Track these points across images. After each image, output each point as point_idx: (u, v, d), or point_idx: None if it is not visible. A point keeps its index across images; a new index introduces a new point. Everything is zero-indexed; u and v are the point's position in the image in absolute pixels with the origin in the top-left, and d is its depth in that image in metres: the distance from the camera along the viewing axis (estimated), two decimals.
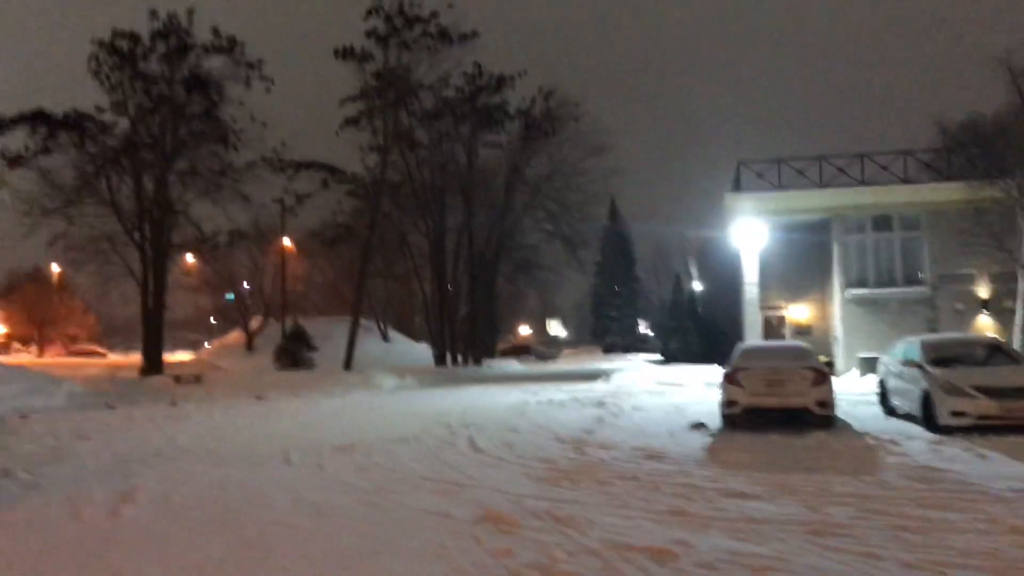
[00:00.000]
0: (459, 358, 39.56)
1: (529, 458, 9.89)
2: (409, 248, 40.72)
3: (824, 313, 25.84)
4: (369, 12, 30.67)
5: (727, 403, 12.65)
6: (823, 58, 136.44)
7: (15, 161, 29.02)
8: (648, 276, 74.43)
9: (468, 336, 41.36)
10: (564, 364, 49.17)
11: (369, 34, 31.11)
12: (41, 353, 59.60)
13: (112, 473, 9.07)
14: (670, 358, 29.00)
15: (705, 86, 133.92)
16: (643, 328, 72.00)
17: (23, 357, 54.85)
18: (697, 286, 39.72)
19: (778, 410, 12.32)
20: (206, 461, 10.03)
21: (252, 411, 17.40)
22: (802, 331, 24.49)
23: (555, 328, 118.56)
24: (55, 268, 57.85)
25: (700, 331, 29.52)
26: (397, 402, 19.76)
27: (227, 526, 6.38)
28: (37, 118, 28.99)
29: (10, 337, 63.48)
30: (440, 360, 38.52)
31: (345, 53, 31.46)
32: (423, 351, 53.50)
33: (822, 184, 24.99)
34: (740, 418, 12.51)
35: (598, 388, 22.52)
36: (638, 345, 64.54)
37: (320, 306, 57.67)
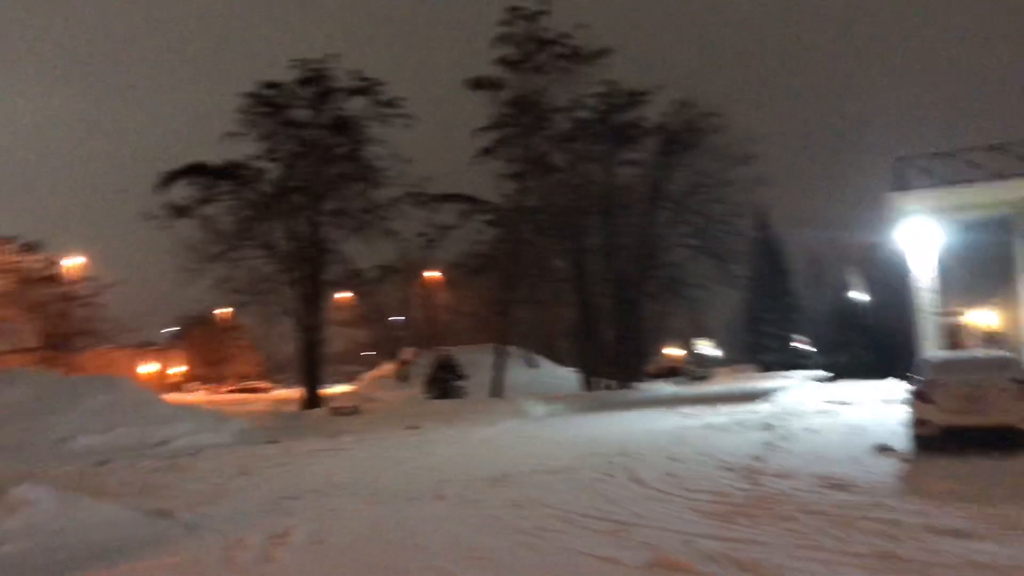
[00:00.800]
0: (607, 382, 38.70)
1: (696, 490, 9.08)
2: (551, 273, 40.37)
3: (1010, 318, 23.24)
4: (499, 39, 30.84)
5: (918, 423, 11.26)
6: (983, 38, 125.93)
7: (181, 212, 30.97)
8: (804, 288, 70.82)
9: (615, 359, 40.41)
10: (719, 384, 47.19)
11: (500, 61, 31.24)
12: (213, 390, 63.38)
13: (269, 512, 8.99)
14: (837, 374, 27.03)
15: (856, 80, 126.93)
16: (802, 343, 68.41)
17: (198, 394, 58.47)
18: (861, 296, 37.15)
19: (979, 430, 10.83)
20: (361, 498, 9.84)
21: (406, 442, 17.36)
22: (992, 339, 22.11)
23: (705, 347, 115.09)
24: (224, 310, 61.57)
25: (869, 344, 27.42)
26: (548, 429, 19.26)
27: (379, 572, 6.01)
28: (198, 170, 30.87)
29: (186, 376, 68.03)
30: (588, 384, 37.81)
31: (478, 83, 31.72)
32: (570, 376, 52.90)
33: (999, 176, 22.57)
34: (934, 440, 11.09)
35: (761, 409, 21.14)
36: (798, 362, 61.21)
37: (467, 335, 58.30)
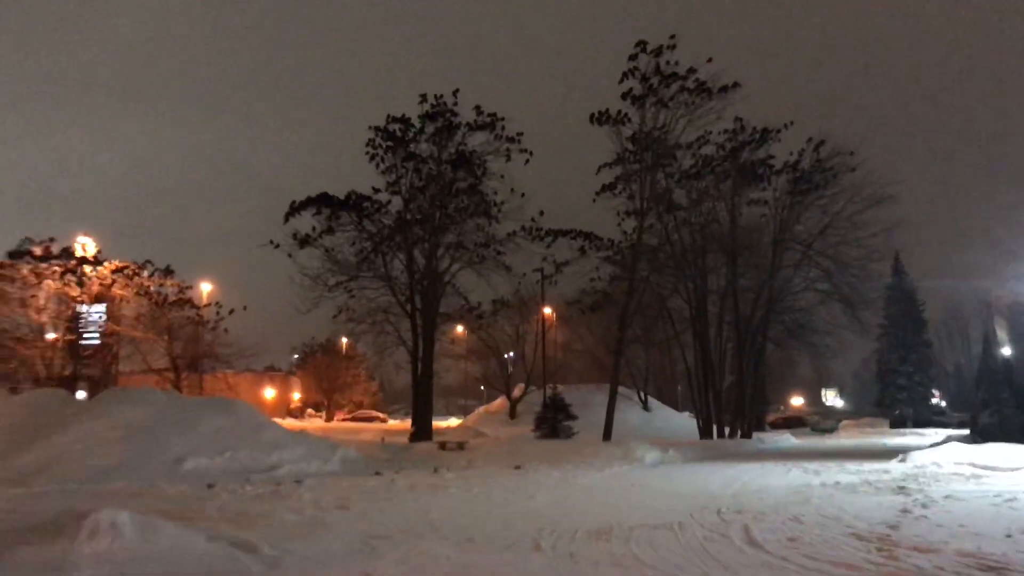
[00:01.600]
0: (726, 430, 36.96)
1: (822, 560, 8.06)
2: (669, 313, 39.20)
3: None
4: (625, 75, 30.32)
5: None
6: None
7: (304, 241, 31.84)
8: (942, 341, 66.39)
9: (735, 406, 38.67)
10: (844, 438, 44.44)
11: (625, 96, 30.70)
12: (329, 418, 64.92)
13: (355, 553, 8.57)
14: (981, 435, 24.66)
15: (1004, 119, 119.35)
16: (936, 399, 63.81)
17: (314, 422, 60.01)
18: (1007, 351, 34.13)
19: None
20: (453, 542, 9.31)
21: (509, 483, 16.78)
22: None
23: (831, 398, 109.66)
24: (343, 340, 63.24)
25: (1019, 404, 24.92)
26: (659, 478, 18.24)
27: None
28: (322, 201, 31.72)
29: (304, 403, 70.09)
30: (705, 432, 36.20)
31: (600, 118, 31.26)
32: (685, 421, 51.20)
33: None
34: None
35: (894, 469, 19.40)
36: (932, 419, 57.03)
37: (579, 373, 57.57)
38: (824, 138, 34.83)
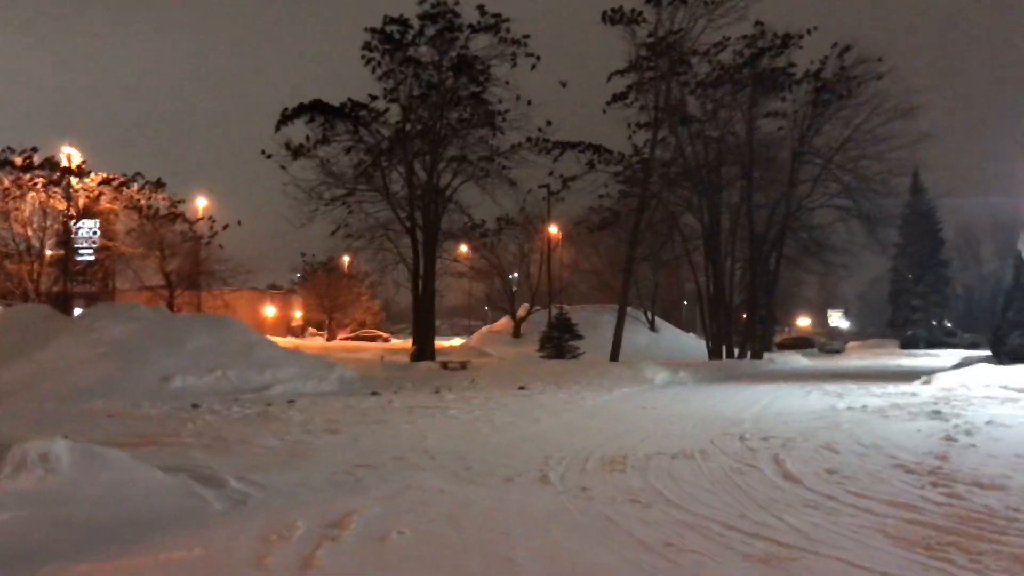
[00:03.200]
0: (735, 351, 36.02)
1: (871, 498, 6.96)
2: (680, 231, 37.79)
3: None
4: None
5: None
6: None
7: (298, 152, 30.26)
8: (951, 261, 64.74)
9: (746, 326, 37.71)
10: (856, 359, 43.56)
11: None
12: (331, 337, 64.28)
13: (338, 487, 7.53)
14: (1011, 356, 23.58)
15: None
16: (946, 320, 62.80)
17: (316, 340, 59.39)
18: None
19: None
20: (449, 472, 8.26)
21: (513, 404, 15.79)
22: None
23: (836, 319, 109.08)
24: (345, 258, 62.03)
25: None
26: (672, 400, 17.24)
27: None
28: (316, 108, 30.00)
29: (306, 321, 69.35)
30: (715, 352, 35.25)
31: (613, 17, 29.16)
32: (693, 342, 50.39)
33: None
34: None
35: (921, 392, 18.36)
36: (944, 339, 56.11)
37: (586, 294, 56.57)
38: (851, 43, 32.65)
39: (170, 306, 35.91)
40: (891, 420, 12.98)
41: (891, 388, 19.70)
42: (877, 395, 17.78)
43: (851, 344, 66.96)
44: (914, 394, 17.75)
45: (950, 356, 42.02)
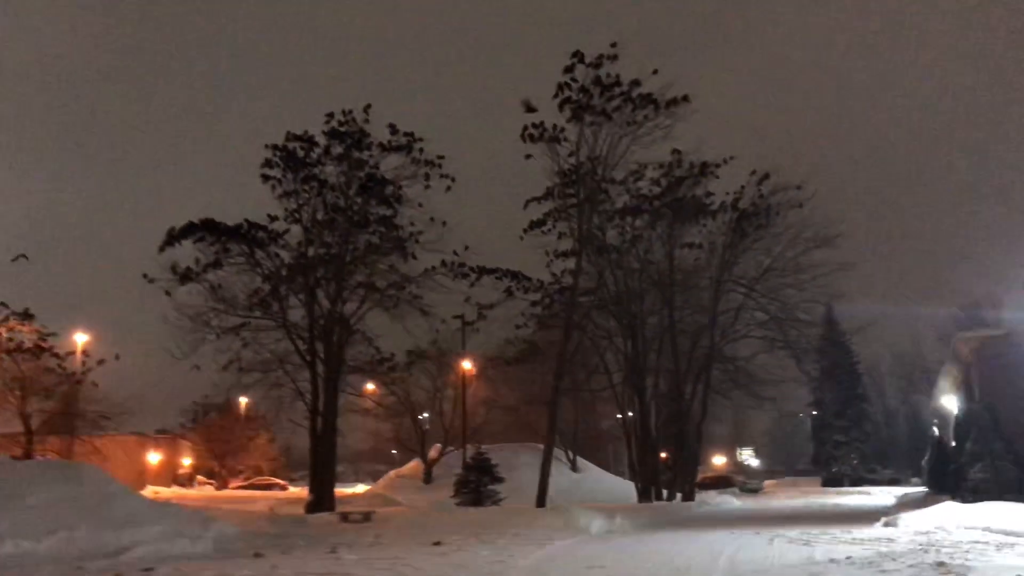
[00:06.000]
0: (663, 492, 33.41)
1: None
2: (605, 363, 35.84)
3: None
4: (560, 87, 27.08)
5: None
6: None
7: (185, 275, 27.19)
8: (884, 393, 64.94)
9: (673, 465, 35.44)
10: (784, 499, 41.53)
11: (562, 105, 27.33)
12: (222, 486, 58.62)
13: None
14: (974, 492, 21.83)
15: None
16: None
17: (205, 490, 53.82)
18: (955, 401, 32.02)
19: None
20: None
21: (428, 567, 12.66)
22: None
23: (747, 457, 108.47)
24: (242, 399, 57.44)
25: (1015, 456, 22.26)
26: (620, 555, 14.42)
27: None
28: (207, 228, 27.22)
29: (195, 469, 63.32)
30: (644, 494, 32.55)
31: (534, 135, 27.82)
32: (616, 483, 47.68)
33: None
34: None
35: (896, 536, 16.09)
36: (865, 476, 54.98)
37: (501, 432, 53.63)
38: (769, 171, 32.35)
39: (27, 455, 31.16)
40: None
41: (856, 532, 17.41)
42: (848, 541, 15.42)
43: (767, 483, 65.48)
44: (890, 539, 15.45)
45: (882, 493, 40.59)
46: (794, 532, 17.76)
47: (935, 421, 40.30)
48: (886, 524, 18.73)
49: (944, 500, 22.77)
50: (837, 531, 17.90)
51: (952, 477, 26.81)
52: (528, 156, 28.53)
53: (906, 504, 27.74)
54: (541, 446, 30.04)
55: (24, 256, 29.37)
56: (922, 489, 38.36)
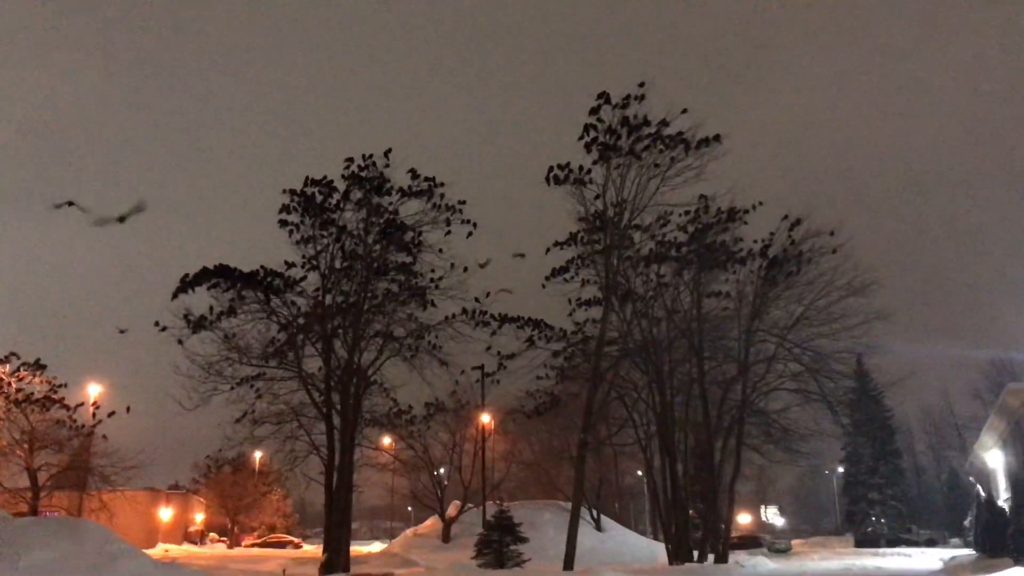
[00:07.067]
0: (694, 553, 31.68)
1: None
2: (632, 417, 34.45)
3: None
4: (586, 129, 26.35)
5: None
6: None
7: (199, 324, 26.36)
8: (914, 449, 62.69)
9: (705, 524, 33.75)
10: (820, 560, 39.54)
11: (588, 146, 26.59)
12: (234, 543, 57.00)
13: None
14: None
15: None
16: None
17: (217, 548, 52.27)
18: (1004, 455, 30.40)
19: None
20: None
21: None
22: None
23: (771, 516, 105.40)
24: (257, 453, 56.25)
25: None
26: None
27: None
28: (222, 274, 26.47)
29: (207, 526, 61.80)
30: (676, 555, 30.85)
31: (559, 176, 26.98)
32: (641, 543, 45.82)
33: None
34: None
35: None
36: (901, 537, 52.58)
37: (518, 488, 52.03)
38: (801, 216, 31.21)
39: (33, 511, 30.11)
40: None
41: None
42: None
43: (795, 542, 63.08)
44: None
45: (923, 556, 38.56)
46: None
47: (973, 479, 38.47)
48: None
49: (1003, 564, 21.17)
50: None
51: (1011, 540, 25.10)
52: (544, 208, 27.79)
53: (960, 569, 25.99)
54: (563, 503, 28.64)
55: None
56: (969, 552, 36.31)
